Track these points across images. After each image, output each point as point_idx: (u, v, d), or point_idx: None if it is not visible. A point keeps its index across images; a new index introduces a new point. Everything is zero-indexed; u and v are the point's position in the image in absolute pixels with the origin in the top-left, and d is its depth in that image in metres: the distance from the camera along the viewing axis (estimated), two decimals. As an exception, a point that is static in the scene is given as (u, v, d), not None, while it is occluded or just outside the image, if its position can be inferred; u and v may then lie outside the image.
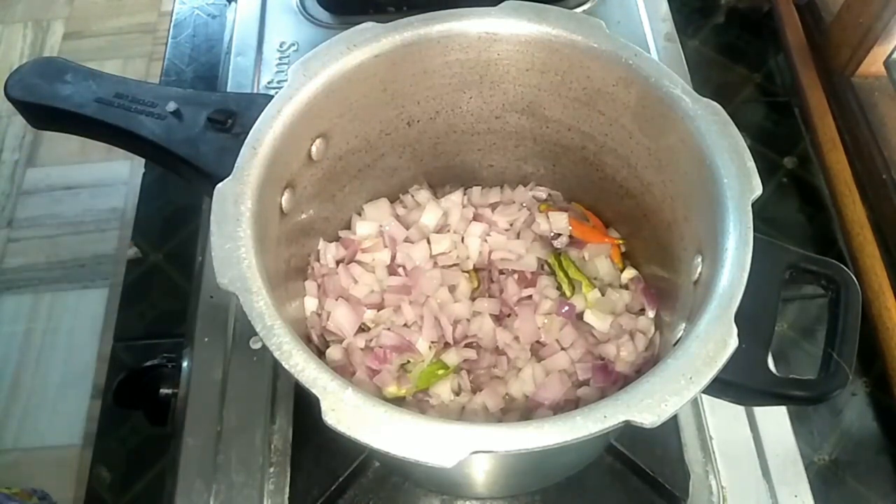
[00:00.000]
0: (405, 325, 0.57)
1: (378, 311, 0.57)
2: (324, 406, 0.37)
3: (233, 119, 0.51)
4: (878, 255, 0.70)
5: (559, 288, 0.59)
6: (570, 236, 0.61)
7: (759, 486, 0.57)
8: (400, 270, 0.59)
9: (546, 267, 0.61)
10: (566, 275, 0.59)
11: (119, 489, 0.64)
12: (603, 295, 0.58)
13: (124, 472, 0.64)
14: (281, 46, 0.83)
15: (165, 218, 0.78)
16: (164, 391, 0.63)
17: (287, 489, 0.58)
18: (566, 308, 0.57)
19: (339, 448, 0.57)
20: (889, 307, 0.66)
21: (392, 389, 0.54)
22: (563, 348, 0.56)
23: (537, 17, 0.52)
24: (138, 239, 0.77)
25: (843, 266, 0.46)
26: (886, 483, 0.63)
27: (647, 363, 0.53)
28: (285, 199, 0.50)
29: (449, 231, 0.61)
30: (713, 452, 0.59)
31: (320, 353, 0.56)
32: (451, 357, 0.55)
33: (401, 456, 0.36)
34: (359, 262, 0.59)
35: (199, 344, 0.64)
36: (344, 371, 0.55)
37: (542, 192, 0.64)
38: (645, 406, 0.37)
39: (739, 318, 0.39)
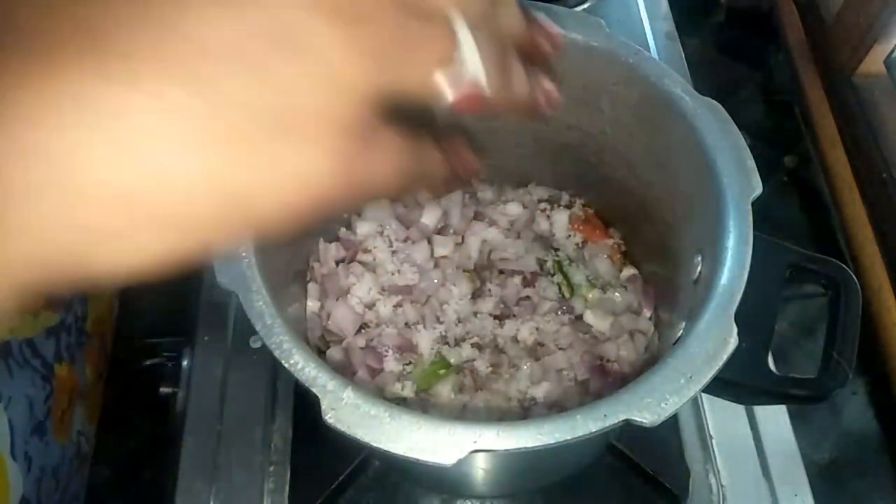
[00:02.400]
0: (406, 324, 0.57)
1: (379, 310, 0.58)
2: (323, 405, 0.37)
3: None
4: (878, 254, 0.70)
5: (559, 289, 0.59)
6: (570, 236, 0.61)
7: (758, 485, 0.58)
8: (401, 270, 0.59)
9: (546, 267, 0.61)
10: (565, 276, 0.59)
11: (119, 489, 0.64)
12: (604, 294, 0.58)
13: (124, 471, 0.64)
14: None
15: (165, 217, 0.78)
16: (164, 390, 0.63)
17: (287, 488, 0.58)
18: (564, 309, 0.57)
19: (340, 447, 0.57)
20: (889, 306, 0.66)
21: (393, 389, 0.54)
22: (560, 349, 0.56)
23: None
24: (138, 238, 0.77)
25: (843, 265, 0.46)
26: (886, 482, 0.63)
27: (647, 362, 0.53)
28: (285, 199, 0.50)
29: (449, 230, 0.62)
30: (713, 451, 0.59)
31: (321, 354, 0.56)
32: (453, 357, 0.55)
33: (401, 455, 0.36)
34: (359, 262, 0.59)
35: (200, 343, 0.64)
36: (345, 371, 0.55)
37: (542, 192, 0.64)
38: (645, 405, 0.37)
39: (739, 317, 0.39)
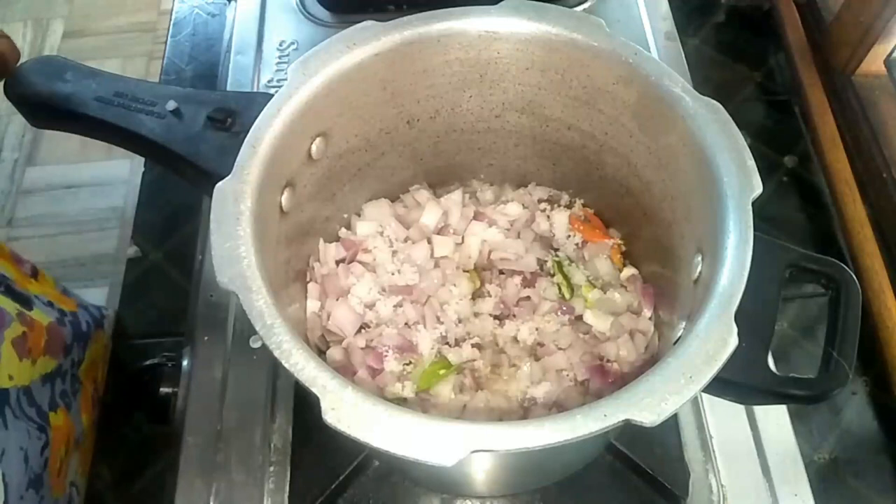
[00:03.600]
0: (406, 324, 0.57)
1: (379, 310, 0.57)
2: (324, 405, 0.37)
3: (232, 118, 0.51)
4: (879, 254, 0.70)
5: (559, 289, 0.59)
6: (570, 236, 0.61)
7: (758, 485, 0.57)
8: (401, 270, 0.59)
9: (546, 267, 0.61)
10: (565, 276, 0.59)
11: (119, 488, 0.64)
12: (604, 294, 0.58)
13: (125, 470, 0.64)
14: (281, 45, 0.83)
15: (165, 217, 0.78)
16: (164, 390, 0.63)
17: (287, 488, 0.58)
18: (564, 309, 0.57)
19: (339, 447, 0.57)
20: (889, 306, 0.66)
21: (394, 389, 0.54)
22: (560, 349, 0.56)
23: (537, 16, 0.52)
24: (138, 238, 0.77)
25: (843, 265, 0.46)
26: (886, 482, 0.63)
27: (647, 362, 0.53)
28: (285, 198, 0.50)
29: (449, 230, 0.61)
30: (713, 451, 0.59)
31: (321, 354, 0.56)
32: (453, 357, 0.55)
33: (401, 455, 0.36)
34: (359, 262, 0.59)
35: (199, 343, 0.64)
36: (345, 371, 0.55)
37: (542, 192, 0.64)
38: (645, 405, 0.37)
39: (739, 317, 0.39)
